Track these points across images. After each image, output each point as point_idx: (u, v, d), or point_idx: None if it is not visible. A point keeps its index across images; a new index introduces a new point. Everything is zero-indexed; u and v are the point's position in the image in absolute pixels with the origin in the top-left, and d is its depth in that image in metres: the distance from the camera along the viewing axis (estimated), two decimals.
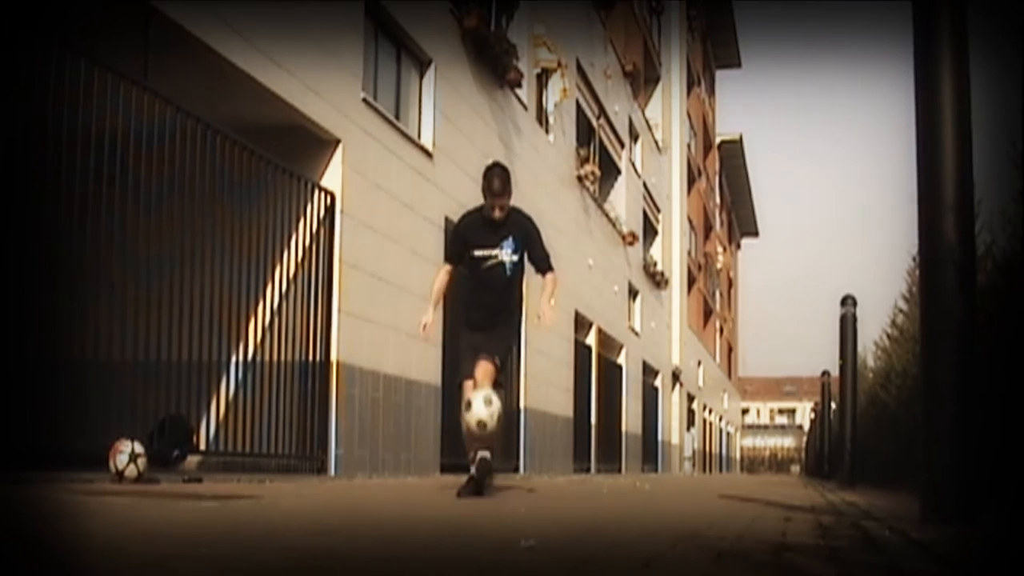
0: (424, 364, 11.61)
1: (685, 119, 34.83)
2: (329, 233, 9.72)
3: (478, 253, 6.44)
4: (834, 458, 14.28)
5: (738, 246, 60.00)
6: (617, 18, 23.65)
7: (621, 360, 24.51)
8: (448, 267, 6.75)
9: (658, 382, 30.69)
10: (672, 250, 32.43)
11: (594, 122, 21.53)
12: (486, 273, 6.44)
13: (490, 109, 14.25)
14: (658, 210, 30.34)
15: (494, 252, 6.41)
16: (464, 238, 6.54)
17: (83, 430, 6.77)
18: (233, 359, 8.73)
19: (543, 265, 6.57)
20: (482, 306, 6.54)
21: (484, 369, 6.26)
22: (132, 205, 7.18)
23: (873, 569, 2.61)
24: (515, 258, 6.45)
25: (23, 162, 6.18)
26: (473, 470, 6.14)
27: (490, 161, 7.29)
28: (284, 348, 9.12)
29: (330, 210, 9.75)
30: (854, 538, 3.46)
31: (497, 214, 6.36)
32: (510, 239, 6.41)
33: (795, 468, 57.70)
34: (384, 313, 10.64)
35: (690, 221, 36.84)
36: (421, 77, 12.19)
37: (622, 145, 24.69)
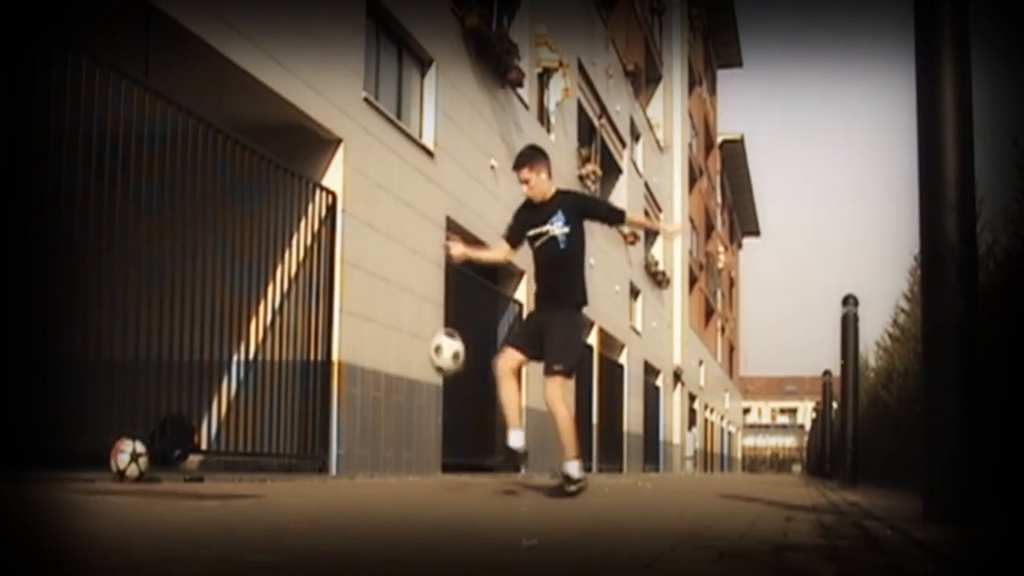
0: (425, 364, 11.54)
1: (686, 118, 34.83)
2: (330, 232, 9.72)
3: (531, 233, 6.64)
4: (836, 458, 14.28)
5: (739, 245, 59.99)
6: (619, 17, 23.65)
7: (622, 360, 24.50)
8: (504, 244, 6.85)
9: (659, 382, 30.68)
10: (673, 249, 32.41)
11: (595, 121, 21.53)
12: (540, 250, 6.64)
13: (492, 108, 14.25)
14: (659, 209, 30.33)
15: (544, 228, 6.57)
16: (519, 219, 6.75)
17: (84, 430, 6.76)
18: (234, 358, 8.73)
19: (613, 216, 6.84)
20: (543, 284, 6.71)
21: (553, 385, 6.51)
22: (133, 204, 7.18)
23: (875, 569, 2.60)
24: (567, 230, 6.59)
25: (24, 161, 6.17)
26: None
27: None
28: (285, 347, 9.12)
29: (331, 209, 9.75)
30: (856, 538, 3.46)
31: (526, 191, 6.64)
32: (559, 213, 6.57)
33: (796, 468, 57.71)
34: (385, 312, 10.64)
35: (691, 220, 36.84)
36: (422, 76, 12.18)
37: (623, 144, 24.69)
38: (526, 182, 6.59)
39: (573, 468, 6.40)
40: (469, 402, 13.23)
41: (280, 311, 9.11)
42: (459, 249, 6.66)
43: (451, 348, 6.30)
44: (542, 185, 6.60)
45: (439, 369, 6.41)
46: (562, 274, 6.68)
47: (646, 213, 6.18)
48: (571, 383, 6.61)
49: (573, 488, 6.33)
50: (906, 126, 4.18)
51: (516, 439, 6.59)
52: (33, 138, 6.22)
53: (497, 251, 6.85)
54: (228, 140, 8.31)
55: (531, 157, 6.66)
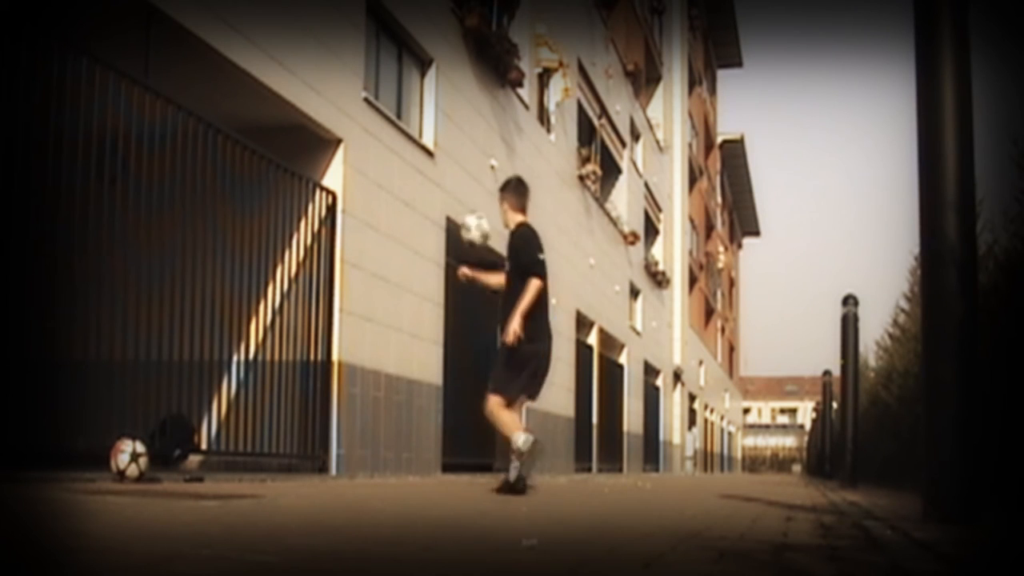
0: (426, 364, 11.61)
1: (686, 118, 34.83)
2: (330, 232, 9.72)
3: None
4: (835, 457, 14.29)
5: (739, 245, 59.99)
6: (618, 17, 23.64)
7: (622, 360, 24.50)
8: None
9: (659, 382, 30.68)
10: (673, 249, 32.43)
11: (595, 121, 21.53)
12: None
13: (492, 108, 14.25)
14: (659, 209, 30.34)
15: (505, 264, 7.11)
16: None
17: (84, 430, 6.76)
18: (235, 358, 8.73)
19: (524, 271, 6.88)
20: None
21: (488, 401, 6.86)
22: (133, 204, 7.18)
23: (875, 569, 2.60)
24: (508, 267, 6.99)
25: (24, 161, 6.17)
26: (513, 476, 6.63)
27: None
28: (285, 347, 9.12)
29: (331, 209, 9.75)
30: (856, 538, 3.46)
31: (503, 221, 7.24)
32: (507, 253, 7.06)
33: (796, 468, 57.73)
34: (385, 312, 10.64)
35: (691, 220, 36.84)
36: (422, 76, 12.18)
37: (623, 144, 24.69)
38: (503, 213, 7.21)
39: (519, 439, 6.56)
40: (469, 402, 13.22)
41: (280, 311, 9.11)
42: (467, 273, 7.26)
43: (477, 225, 7.05)
44: (504, 216, 7.15)
45: (474, 236, 7.05)
46: (504, 310, 6.94)
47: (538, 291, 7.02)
48: (502, 400, 6.83)
49: (522, 452, 6.52)
50: (906, 126, 4.18)
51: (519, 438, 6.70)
52: (33, 138, 6.22)
53: (498, 278, 7.26)
54: (228, 140, 8.31)
55: (506, 184, 7.29)
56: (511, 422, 6.71)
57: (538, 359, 6.85)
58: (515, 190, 7.13)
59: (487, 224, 7.14)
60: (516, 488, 6.49)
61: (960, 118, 3.95)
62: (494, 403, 6.77)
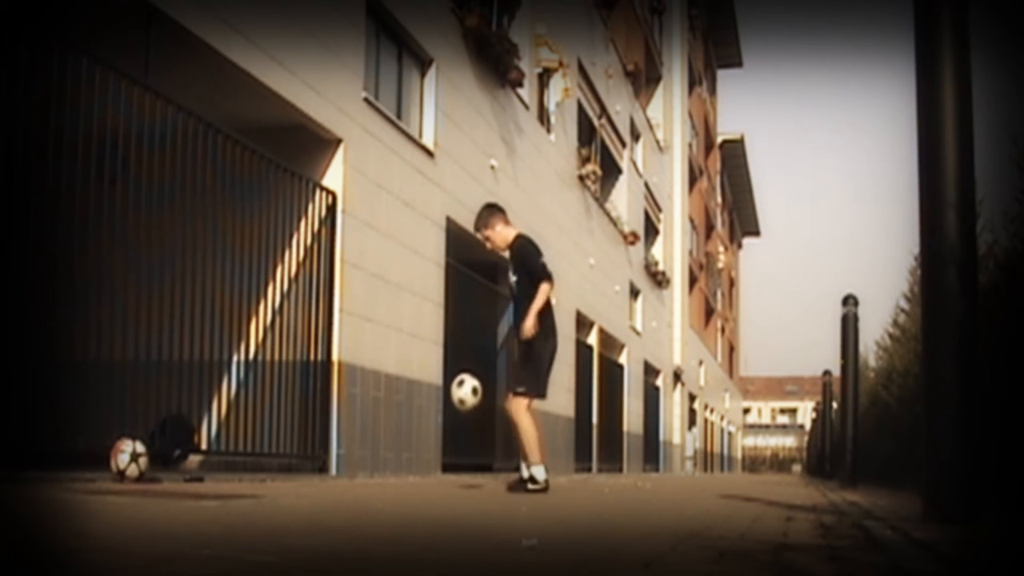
0: (425, 363, 11.61)
1: (686, 118, 34.83)
2: (330, 232, 9.72)
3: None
4: (836, 457, 14.28)
5: (739, 245, 59.99)
6: (618, 18, 23.65)
7: (622, 360, 24.51)
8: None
9: (659, 382, 30.68)
10: (673, 249, 32.43)
11: (595, 121, 21.53)
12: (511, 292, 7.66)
13: (492, 108, 14.25)
14: (659, 209, 30.34)
15: (510, 274, 7.54)
16: None
17: (84, 430, 6.76)
18: (234, 358, 8.73)
19: (535, 278, 7.36)
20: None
21: (512, 403, 7.37)
22: (133, 204, 7.18)
23: (875, 569, 2.60)
24: (515, 278, 7.45)
25: (24, 161, 6.17)
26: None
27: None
28: (285, 347, 9.12)
29: (331, 209, 9.75)
30: (856, 538, 3.46)
31: (489, 248, 7.66)
32: (512, 266, 7.49)
33: (797, 468, 57.73)
34: (385, 313, 10.64)
35: (691, 220, 36.85)
36: (422, 76, 12.18)
37: (623, 144, 24.69)
38: (487, 240, 7.55)
39: (540, 473, 7.14)
40: None
41: (280, 311, 9.11)
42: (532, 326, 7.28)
43: (471, 383, 7.07)
44: (496, 238, 7.49)
45: (460, 402, 7.09)
46: (517, 316, 7.42)
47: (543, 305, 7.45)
48: (527, 401, 7.34)
49: (537, 484, 7.09)
50: (906, 126, 4.18)
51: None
52: (33, 138, 6.22)
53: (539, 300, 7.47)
54: (228, 140, 8.31)
55: (480, 217, 7.62)
56: (534, 443, 7.17)
57: (553, 353, 7.44)
58: (492, 214, 7.60)
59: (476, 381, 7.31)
60: (539, 487, 7.04)
61: (960, 118, 3.95)
62: (520, 407, 7.25)
